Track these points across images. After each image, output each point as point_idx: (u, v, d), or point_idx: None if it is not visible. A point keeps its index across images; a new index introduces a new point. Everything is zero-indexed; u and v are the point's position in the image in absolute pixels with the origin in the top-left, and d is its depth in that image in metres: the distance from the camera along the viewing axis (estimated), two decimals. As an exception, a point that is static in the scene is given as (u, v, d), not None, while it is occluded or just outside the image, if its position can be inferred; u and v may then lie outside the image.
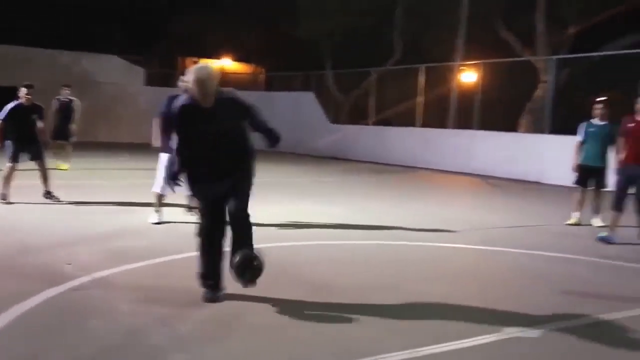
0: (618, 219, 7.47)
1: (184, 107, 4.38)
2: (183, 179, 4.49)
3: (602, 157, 8.51)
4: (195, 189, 4.51)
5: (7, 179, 8.55)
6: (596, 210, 8.62)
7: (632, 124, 7.44)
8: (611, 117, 8.61)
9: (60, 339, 3.64)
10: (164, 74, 28.33)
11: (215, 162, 4.39)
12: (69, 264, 5.31)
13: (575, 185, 8.82)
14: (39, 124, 8.89)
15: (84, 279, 4.89)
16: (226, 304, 4.36)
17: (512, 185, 14.20)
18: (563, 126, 15.02)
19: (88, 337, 3.70)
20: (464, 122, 19.08)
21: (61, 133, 12.77)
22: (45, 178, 8.81)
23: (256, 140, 4.55)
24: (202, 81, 4.21)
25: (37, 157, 8.82)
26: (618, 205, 7.45)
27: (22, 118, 8.71)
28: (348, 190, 12.24)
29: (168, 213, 7.52)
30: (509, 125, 18.50)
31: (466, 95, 19.46)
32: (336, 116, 24.59)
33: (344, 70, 23.62)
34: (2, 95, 9.67)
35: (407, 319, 4.24)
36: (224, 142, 4.36)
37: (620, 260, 6.47)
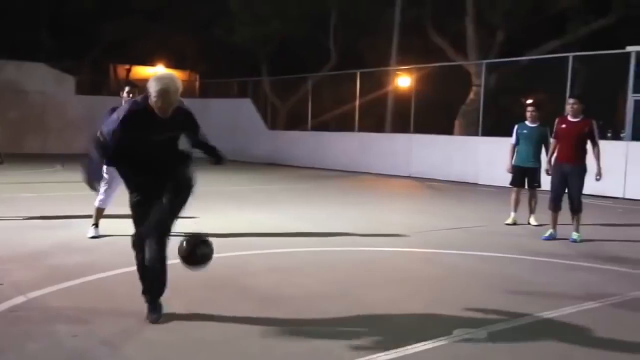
0: (556, 218, 7.74)
1: (136, 112, 4.09)
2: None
3: (535, 157, 8.80)
4: (131, 192, 4.27)
5: None
6: (532, 210, 8.90)
7: (564, 125, 7.72)
8: (542, 118, 8.93)
9: (-5, 366, 3.44)
10: (96, 82, 27.54)
11: (153, 168, 4.20)
12: (1, 284, 5.04)
13: (510, 186, 9.09)
14: None
15: (19, 299, 4.65)
16: (172, 320, 4.23)
17: (450, 187, 14.50)
18: (494, 128, 15.52)
19: (26, 362, 3.51)
20: (401, 125, 19.40)
21: None
22: None
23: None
24: (166, 93, 4.00)
25: None
26: (555, 204, 7.71)
27: None
28: (289, 197, 12.19)
29: (107, 227, 7.27)
30: (444, 128, 18.93)
31: (402, 100, 19.80)
32: (274, 122, 24.53)
33: (280, 76, 23.61)
34: None
35: (356, 327, 4.23)
36: (165, 150, 4.23)
37: (559, 257, 6.67)
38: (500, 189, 12.18)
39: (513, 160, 8.94)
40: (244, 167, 18.79)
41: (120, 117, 4.09)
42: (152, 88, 4.02)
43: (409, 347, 3.81)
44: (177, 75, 4.54)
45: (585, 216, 7.96)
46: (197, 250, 4.17)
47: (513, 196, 9.01)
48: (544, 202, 8.17)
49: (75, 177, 14.11)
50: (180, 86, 4.09)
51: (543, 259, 6.64)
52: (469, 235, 8.07)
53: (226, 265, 5.89)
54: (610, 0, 18.45)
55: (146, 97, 4.12)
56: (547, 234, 7.76)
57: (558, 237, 7.69)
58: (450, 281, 5.72)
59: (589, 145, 7.66)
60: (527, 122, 8.88)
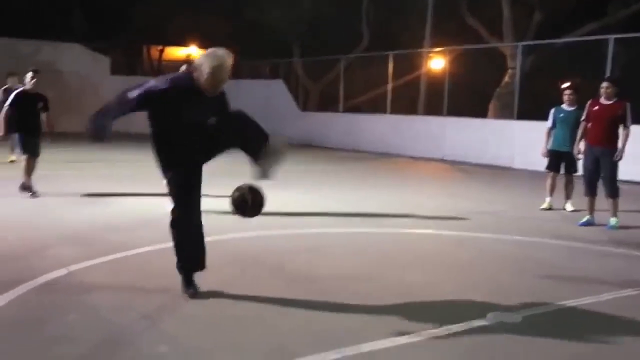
0: (593, 203, 7.61)
1: (183, 87, 3.96)
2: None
3: (572, 142, 8.62)
4: (169, 176, 4.18)
5: (29, 170, 8.24)
6: (568, 195, 8.76)
7: (596, 107, 7.56)
8: (580, 102, 8.74)
9: (38, 334, 3.54)
10: (130, 63, 27.83)
11: (194, 149, 4.12)
12: (45, 256, 5.18)
13: (546, 171, 8.95)
14: (45, 114, 8.51)
15: (61, 271, 4.77)
16: (207, 297, 4.29)
17: (483, 171, 14.35)
18: (530, 112, 15.26)
19: (68, 331, 3.61)
20: (434, 108, 19.20)
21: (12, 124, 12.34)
22: (29, 171, 8.42)
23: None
24: (221, 69, 3.89)
25: (32, 152, 8.33)
26: (589, 189, 7.58)
27: (26, 107, 8.27)
28: (321, 178, 12.21)
29: (145, 203, 7.40)
30: (478, 111, 18.69)
31: (435, 82, 19.58)
32: (305, 104, 24.50)
33: (312, 57, 23.52)
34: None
35: (387, 308, 4.23)
36: (207, 132, 4.13)
37: (595, 244, 6.58)
38: (535, 173, 11.99)
39: (549, 145, 8.79)
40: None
41: (159, 86, 3.94)
42: (207, 63, 3.88)
43: (441, 329, 3.81)
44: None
45: (625, 202, 7.82)
46: (252, 197, 4.15)
47: (549, 181, 8.88)
48: (581, 187, 8.03)
49: (111, 156, 14.18)
50: (231, 64, 3.97)
51: (578, 244, 6.54)
52: (502, 219, 7.99)
53: (258, 244, 5.95)
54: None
55: (190, 73, 4.01)
56: (584, 220, 7.64)
57: (596, 223, 7.56)
58: (482, 265, 5.68)
59: (621, 130, 7.50)
60: (564, 106, 8.71)
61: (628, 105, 7.47)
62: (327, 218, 7.61)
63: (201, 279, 4.37)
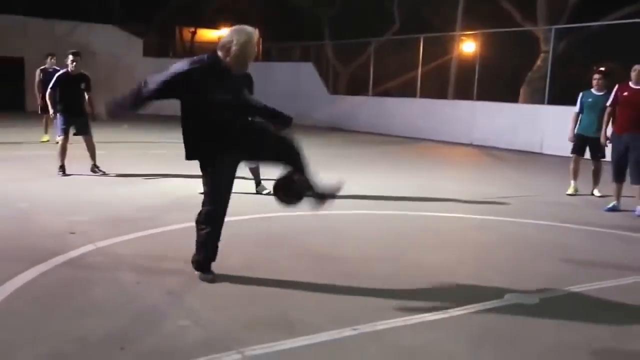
0: (620, 189, 7.54)
1: (207, 66, 3.93)
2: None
3: (600, 127, 8.51)
4: (209, 170, 4.09)
5: (63, 151, 8.49)
6: (596, 181, 8.66)
7: (626, 92, 7.43)
8: (610, 87, 8.60)
9: (66, 307, 3.70)
10: (162, 44, 28.10)
11: (225, 132, 4.03)
12: (73, 232, 5.36)
13: (571, 155, 8.84)
14: (87, 95, 8.70)
15: (88, 247, 4.95)
16: (231, 274, 4.39)
17: (513, 156, 14.23)
18: (562, 97, 15.02)
19: (94, 304, 3.76)
20: (464, 92, 19.03)
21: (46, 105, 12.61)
22: (92, 152, 8.71)
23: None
24: (249, 44, 3.87)
25: (83, 131, 8.65)
26: (618, 176, 7.50)
27: (69, 88, 8.49)
28: (349, 161, 12.26)
29: (172, 184, 7.56)
30: (509, 95, 18.46)
31: (466, 66, 19.38)
32: (335, 87, 24.48)
33: (343, 40, 23.44)
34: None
35: (408, 288, 4.29)
36: (236, 112, 4.10)
37: (620, 229, 6.53)
38: (565, 159, 11.80)
39: (576, 129, 8.70)
40: (305, 131, 18.90)
41: (181, 69, 3.95)
42: (235, 38, 3.89)
43: (459, 308, 3.86)
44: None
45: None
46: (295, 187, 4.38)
47: (572, 165, 8.79)
48: (609, 173, 7.95)
49: (141, 136, 14.37)
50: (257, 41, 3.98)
51: (602, 229, 6.50)
52: (527, 204, 7.96)
53: (282, 224, 6.05)
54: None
55: (214, 52, 4.03)
56: (609, 205, 7.57)
57: (621, 209, 7.49)
58: (504, 248, 5.69)
59: None
60: (592, 90, 8.59)
61: None
62: (353, 201, 7.67)
63: (224, 257, 4.48)
